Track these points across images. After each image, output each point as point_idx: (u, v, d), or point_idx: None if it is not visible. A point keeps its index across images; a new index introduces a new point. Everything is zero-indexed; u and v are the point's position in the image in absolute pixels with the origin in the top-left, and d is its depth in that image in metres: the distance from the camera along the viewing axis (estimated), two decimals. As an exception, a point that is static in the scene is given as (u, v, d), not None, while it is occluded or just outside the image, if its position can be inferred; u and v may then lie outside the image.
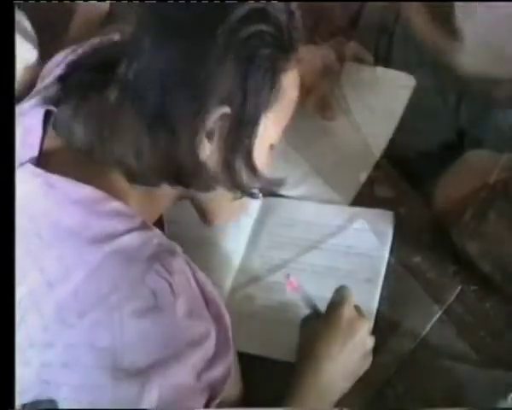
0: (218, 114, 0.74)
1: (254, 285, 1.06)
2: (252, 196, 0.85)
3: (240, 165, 0.78)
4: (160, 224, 0.87)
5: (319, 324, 0.91)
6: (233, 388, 0.84)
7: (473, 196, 0.99)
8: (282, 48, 0.77)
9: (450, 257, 1.03)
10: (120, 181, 0.76)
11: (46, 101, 0.78)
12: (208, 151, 0.76)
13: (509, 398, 0.86)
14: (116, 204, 0.72)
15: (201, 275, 0.74)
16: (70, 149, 0.75)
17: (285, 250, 1.09)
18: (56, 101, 0.78)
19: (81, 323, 0.67)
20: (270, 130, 0.80)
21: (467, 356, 0.94)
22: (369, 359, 0.93)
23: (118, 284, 0.68)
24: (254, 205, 1.14)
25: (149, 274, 0.69)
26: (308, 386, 0.88)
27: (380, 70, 1.27)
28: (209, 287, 0.75)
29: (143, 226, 0.73)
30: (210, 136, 0.75)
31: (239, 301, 1.04)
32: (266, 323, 1.02)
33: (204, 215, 0.90)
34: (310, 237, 1.10)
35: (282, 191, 1.14)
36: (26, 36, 1.10)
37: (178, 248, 0.73)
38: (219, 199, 0.86)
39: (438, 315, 0.98)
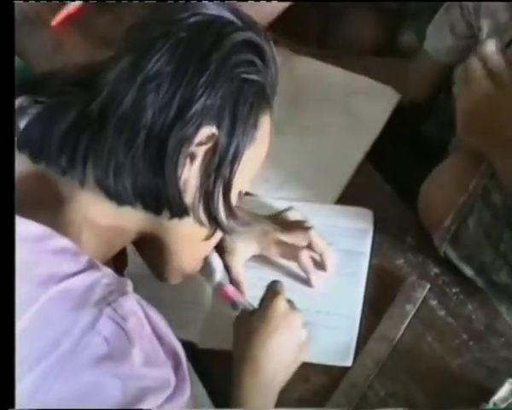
0: (205, 134, 0.74)
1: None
2: (223, 229, 0.83)
3: (218, 195, 0.78)
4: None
5: (253, 321, 0.90)
6: None
7: (453, 202, 1.01)
8: (266, 91, 0.79)
9: (432, 260, 1.05)
10: (94, 201, 0.74)
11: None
12: (188, 174, 0.75)
13: (491, 402, 0.87)
14: (63, 241, 0.70)
15: (152, 313, 0.71)
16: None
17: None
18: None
19: (32, 374, 0.63)
20: (244, 171, 0.80)
21: (448, 359, 0.95)
22: (306, 349, 0.92)
23: (68, 330, 0.65)
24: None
25: (100, 320, 0.66)
26: (249, 386, 0.87)
27: (365, 80, 1.30)
28: (161, 324, 0.72)
29: (91, 266, 0.70)
30: (193, 157, 0.75)
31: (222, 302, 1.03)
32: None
33: (161, 265, 0.87)
34: None
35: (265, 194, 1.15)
36: None
37: (129, 286, 0.71)
38: (182, 242, 0.83)
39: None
